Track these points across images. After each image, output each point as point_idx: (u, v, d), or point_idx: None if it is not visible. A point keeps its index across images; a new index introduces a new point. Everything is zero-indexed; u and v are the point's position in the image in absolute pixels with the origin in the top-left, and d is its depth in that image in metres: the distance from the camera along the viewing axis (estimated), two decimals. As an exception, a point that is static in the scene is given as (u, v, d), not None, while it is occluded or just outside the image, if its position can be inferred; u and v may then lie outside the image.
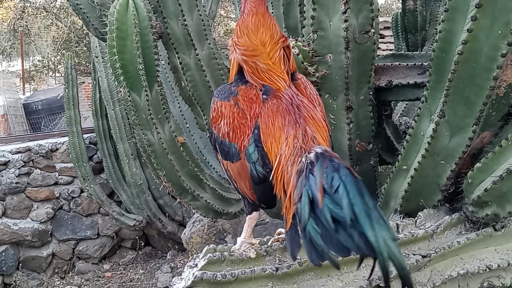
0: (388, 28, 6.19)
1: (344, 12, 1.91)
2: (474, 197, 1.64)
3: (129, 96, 2.48)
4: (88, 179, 5.94)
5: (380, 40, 6.80)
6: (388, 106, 2.46)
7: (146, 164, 4.32)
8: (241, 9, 1.44)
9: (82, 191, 6.33)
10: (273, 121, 1.29)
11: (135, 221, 5.97)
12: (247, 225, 1.40)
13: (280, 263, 1.38)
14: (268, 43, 1.38)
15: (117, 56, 2.39)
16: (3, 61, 15.63)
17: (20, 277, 6.09)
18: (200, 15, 2.59)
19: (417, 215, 1.73)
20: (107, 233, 6.50)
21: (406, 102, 3.27)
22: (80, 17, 3.38)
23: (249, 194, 1.35)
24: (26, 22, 13.41)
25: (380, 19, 7.22)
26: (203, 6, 2.65)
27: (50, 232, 6.30)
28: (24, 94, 11.66)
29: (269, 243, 1.44)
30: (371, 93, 2.15)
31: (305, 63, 1.97)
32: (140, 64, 2.40)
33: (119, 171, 6.04)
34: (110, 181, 6.08)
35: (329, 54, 2.02)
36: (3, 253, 6.04)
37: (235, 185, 1.38)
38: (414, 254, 1.53)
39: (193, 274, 1.31)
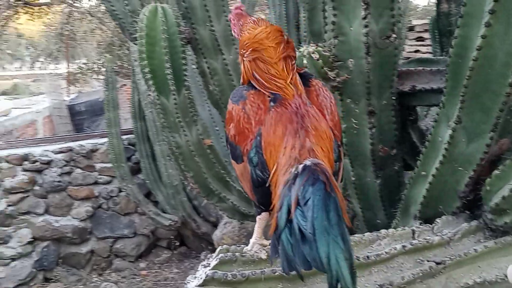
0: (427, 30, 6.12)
1: (364, 18, 1.91)
2: (493, 204, 1.62)
3: (157, 100, 2.56)
4: (126, 179, 6.11)
5: (420, 43, 6.72)
6: (413, 111, 2.44)
7: (180, 166, 4.45)
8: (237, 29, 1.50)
9: (120, 191, 6.50)
10: (275, 130, 1.31)
11: (170, 221, 6.08)
12: (257, 226, 1.43)
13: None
14: (271, 34, 1.40)
15: (146, 61, 2.47)
16: (50, 63, 16.22)
17: (60, 273, 6.31)
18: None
19: (435, 222, 1.72)
20: (144, 232, 6.66)
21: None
22: (117, 22, 3.50)
23: (250, 195, 1.39)
24: (72, 26, 13.85)
25: (421, 21, 7.13)
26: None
27: (89, 230, 6.50)
28: (69, 96, 12.08)
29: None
30: (393, 98, 2.15)
31: (325, 68, 1.98)
32: (168, 69, 2.47)
33: (156, 172, 6.16)
34: (147, 181, 6.21)
35: (350, 59, 2.03)
36: (45, 249, 6.27)
37: (241, 185, 1.43)
38: (428, 261, 1.53)
39: (205, 273, 1.35)
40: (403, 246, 1.52)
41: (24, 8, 12.99)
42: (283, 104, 1.36)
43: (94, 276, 6.45)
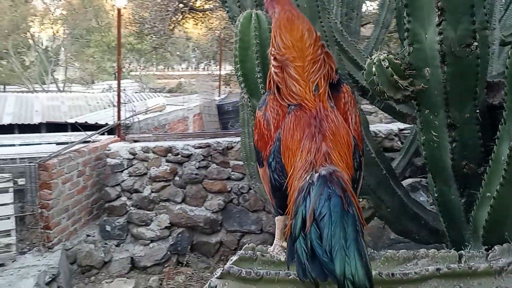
0: None
1: (438, 24, 1.81)
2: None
3: (249, 102, 2.68)
4: (255, 177, 6.35)
5: None
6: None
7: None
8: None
9: (250, 188, 6.79)
10: (293, 134, 1.34)
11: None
12: (276, 227, 1.47)
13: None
14: (306, 39, 1.41)
15: (239, 65, 2.60)
16: (211, 65, 17.43)
17: (191, 259, 6.82)
18: (323, 27, 2.66)
19: (492, 249, 1.56)
20: (269, 230, 6.85)
21: None
22: (234, 26, 3.70)
23: (270, 198, 1.43)
24: (231, 30, 14.72)
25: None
26: (327, 18, 2.70)
27: (220, 222, 6.90)
28: (219, 96, 12.90)
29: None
30: (477, 111, 1.98)
31: (395, 76, 1.91)
32: (258, 73, 2.57)
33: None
34: (274, 181, 6.39)
35: (427, 68, 1.92)
36: (180, 235, 6.83)
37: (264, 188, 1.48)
38: (466, 288, 1.41)
39: (224, 267, 1.43)
40: (438, 269, 1.42)
41: (190, 13, 14.16)
42: (302, 107, 1.38)
43: (221, 266, 6.80)
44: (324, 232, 1.07)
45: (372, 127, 6.77)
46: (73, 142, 7.33)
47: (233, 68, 14.73)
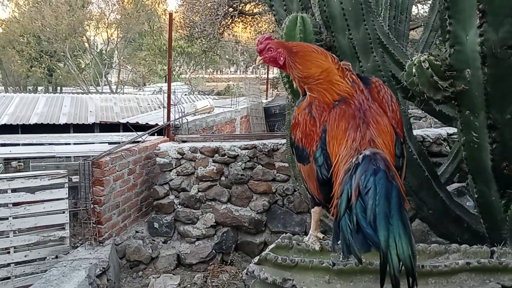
0: None
1: (479, 26, 1.84)
2: None
3: (293, 103, 2.76)
4: (299, 179, 6.41)
5: None
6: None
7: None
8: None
9: (295, 190, 6.84)
10: (338, 125, 1.41)
11: (338, 225, 6.19)
12: (312, 218, 1.54)
13: (342, 260, 1.49)
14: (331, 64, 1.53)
15: (283, 68, 2.69)
16: (259, 68, 17.60)
17: (236, 257, 6.94)
18: (367, 29, 2.71)
19: (526, 246, 1.58)
20: (313, 232, 6.89)
21: None
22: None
23: (316, 194, 1.50)
24: (279, 34, 14.81)
25: None
26: (372, 21, 2.75)
27: (264, 222, 6.98)
28: (266, 98, 13.03)
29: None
30: (520, 112, 1.99)
31: (435, 77, 1.95)
32: (286, 76, 2.66)
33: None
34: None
35: (467, 69, 1.95)
36: (225, 234, 6.97)
37: (306, 186, 1.55)
38: (497, 283, 1.44)
39: (263, 253, 1.52)
40: (467, 263, 1.46)
41: (239, 17, 14.35)
42: (347, 102, 1.46)
43: (265, 266, 6.91)
44: (369, 204, 1.14)
45: (420, 132, 6.70)
46: (124, 141, 7.62)
47: (280, 72, 14.79)
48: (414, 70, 1.97)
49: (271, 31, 14.38)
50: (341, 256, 1.51)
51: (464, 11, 1.88)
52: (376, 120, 1.39)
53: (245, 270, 1.52)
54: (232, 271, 6.68)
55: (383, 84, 1.56)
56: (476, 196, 2.24)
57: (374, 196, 1.15)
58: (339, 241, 1.29)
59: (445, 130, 6.75)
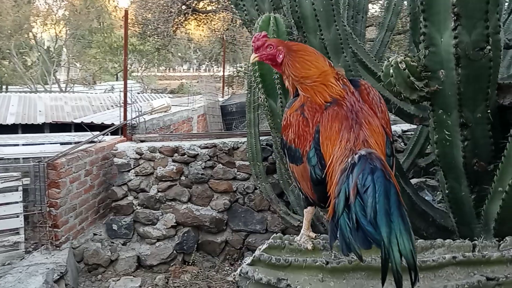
0: None
1: (454, 29, 1.91)
2: None
3: (266, 102, 2.78)
4: (261, 177, 6.44)
5: None
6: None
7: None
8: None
9: (255, 188, 6.87)
10: (331, 126, 1.44)
11: (299, 222, 6.24)
12: (304, 218, 1.56)
13: (334, 258, 1.51)
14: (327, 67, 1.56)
15: (257, 66, 2.70)
16: (213, 66, 17.56)
17: (197, 258, 6.91)
18: (338, 30, 2.76)
19: (504, 239, 1.66)
20: (274, 230, 6.93)
21: None
22: (248, 29, 3.80)
23: (310, 194, 1.52)
24: (233, 32, 14.85)
25: None
26: (342, 22, 2.80)
27: (225, 221, 6.99)
28: (223, 97, 13.01)
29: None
30: (489, 111, 2.08)
31: (412, 78, 2.01)
32: (276, 74, 2.68)
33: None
34: (281, 181, 6.45)
35: (441, 70, 2.02)
36: (186, 234, 6.92)
37: (299, 186, 1.56)
38: (481, 275, 1.51)
39: (255, 254, 1.52)
40: (454, 257, 1.52)
41: (192, 15, 14.26)
42: (339, 103, 1.48)
43: (226, 265, 6.92)
44: (369, 202, 1.17)
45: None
46: (77, 142, 7.42)
47: (235, 70, 14.76)
48: (391, 70, 2.02)
49: (225, 29, 14.38)
50: (333, 254, 1.54)
51: (439, 14, 1.94)
52: (368, 121, 1.42)
53: (237, 271, 1.52)
54: (194, 271, 6.65)
55: (371, 86, 1.60)
56: (447, 191, 2.33)
57: (373, 194, 1.18)
58: (337, 240, 1.31)
59: (399, 127, 6.95)
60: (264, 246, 1.54)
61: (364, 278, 1.48)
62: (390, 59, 2.05)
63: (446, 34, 1.95)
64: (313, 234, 1.59)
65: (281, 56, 1.66)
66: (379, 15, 11.85)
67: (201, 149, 6.94)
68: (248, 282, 1.46)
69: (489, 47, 1.94)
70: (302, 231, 1.59)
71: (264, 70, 2.68)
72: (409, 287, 1.21)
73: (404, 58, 2.02)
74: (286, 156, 1.60)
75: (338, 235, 1.27)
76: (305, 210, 1.56)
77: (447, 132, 2.15)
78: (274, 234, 1.58)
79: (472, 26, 1.92)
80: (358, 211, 1.19)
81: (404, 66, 2.01)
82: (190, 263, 6.86)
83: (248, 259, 1.54)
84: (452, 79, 2.01)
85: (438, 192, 4.59)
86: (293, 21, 2.79)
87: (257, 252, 1.52)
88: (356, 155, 1.29)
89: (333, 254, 1.53)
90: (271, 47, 1.68)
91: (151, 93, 16.35)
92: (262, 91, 2.73)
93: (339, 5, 2.77)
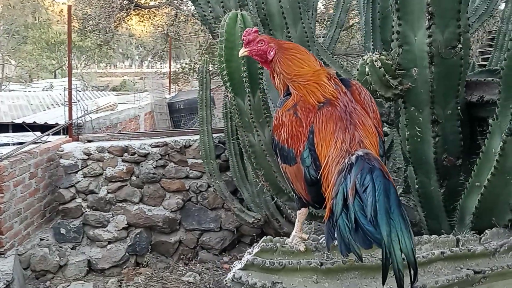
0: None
1: (428, 28, 1.95)
2: (544, 219, 1.60)
3: (234, 101, 2.74)
4: (214, 175, 6.40)
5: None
6: (484, 122, 2.40)
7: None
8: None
9: (209, 186, 6.81)
10: (326, 126, 1.43)
11: (254, 219, 6.27)
12: (297, 220, 1.55)
13: (327, 259, 1.51)
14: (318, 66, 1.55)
15: (224, 64, 2.65)
16: (157, 63, 17.25)
17: (150, 259, 6.78)
18: (304, 27, 2.76)
19: (484, 233, 1.72)
20: (229, 227, 6.93)
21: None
22: (207, 27, 3.74)
23: (304, 195, 1.50)
24: (177, 28, 14.62)
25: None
26: (308, 20, 2.81)
27: (178, 221, 6.89)
28: (170, 94, 12.81)
29: (320, 241, 1.57)
30: (459, 108, 2.14)
31: (387, 76, 2.04)
32: (244, 72, 2.64)
33: (243, 170, 6.37)
34: (234, 179, 6.44)
35: (414, 68, 2.06)
36: (138, 235, 6.77)
37: (292, 187, 1.54)
38: (468, 269, 1.55)
39: (247, 259, 1.49)
40: (442, 253, 1.55)
41: (135, 10, 13.93)
42: (332, 104, 1.47)
43: (181, 265, 6.83)
44: (368, 201, 1.16)
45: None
46: (18, 143, 7.08)
47: (180, 66, 14.53)
48: (367, 69, 2.04)
49: (170, 25, 14.15)
50: (326, 255, 1.53)
51: (413, 13, 1.97)
52: (362, 122, 1.42)
53: (228, 276, 1.48)
54: (148, 272, 6.52)
55: (362, 86, 1.59)
56: (417, 186, 2.39)
57: (373, 193, 1.18)
58: (335, 241, 1.31)
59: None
60: (256, 249, 1.51)
61: (358, 278, 1.48)
62: (365, 58, 2.07)
63: (420, 33, 1.99)
64: (305, 236, 1.57)
65: (272, 52, 1.63)
66: (323, 12, 12.06)
67: (152, 148, 6.80)
68: (242, 287, 1.43)
69: (460, 46, 2.00)
70: (294, 232, 1.58)
71: (232, 68, 2.64)
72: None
73: (379, 56, 2.04)
74: (278, 157, 1.57)
75: (336, 236, 1.26)
76: (298, 211, 1.54)
77: (418, 129, 2.19)
78: (265, 237, 1.55)
79: (445, 25, 1.96)
80: (357, 210, 1.19)
81: (380, 64, 2.03)
82: (143, 265, 6.72)
83: (238, 264, 1.50)
84: (425, 77, 2.05)
85: (397, 186, 4.71)
86: (259, 18, 2.77)
87: (249, 256, 1.49)
88: (353, 156, 1.29)
89: (325, 255, 1.52)
90: (262, 43, 1.64)
91: (92, 90, 15.83)
92: (230, 90, 2.68)
93: (305, 2, 2.77)
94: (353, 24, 11.71)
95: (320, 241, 1.57)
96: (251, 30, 1.68)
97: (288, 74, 1.57)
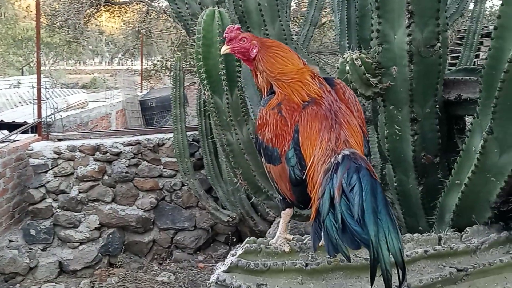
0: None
1: (408, 26, 1.95)
2: (524, 216, 1.62)
3: (211, 99, 2.70)
4: (189, 174, 6.34)
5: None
6: (461, 121, 2.43)
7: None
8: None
9: (183, 185, 6.74)
10: (311, 126, 1.41)
11: (228, 217, 6.23)
12: (282, 220, 1.53)
13: (312, 259, 1.49)
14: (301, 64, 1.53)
15: (202, 62, 2.62)
16: (127, 60, 17.01)
17: (123, 259, 6.67)
18: (282, 25, 2.75)
19: (465, 230, 1.73)
20: (203, 226, 6.87)
21: None
22: (182, 24, 3.69)
23: (288, 195, 1.48)
24: (149, 24, 14.45)
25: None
26: (286, 17, 2.79)
27: (152, 220, 6.81)
28: (141, 91, 12.66)
29: (305, 241, 1.56)
30: (437, 106, 2.16)
31: (367, 74, 2.04)
32: (222, 70, 2.61)
33: (218, 168, 6.32)
34: (209, 177, 6.39)
35: (394, 67, 2.07)
36: (111, 236, 6.66)
37: (276, 187, 1.52)
38: (450, 267, 1.56)
39: (231, 261, 1.46)
40: (425, 251, 1.56)
41: (105, 6, 13.70)
42: (317, 103, 1.45)
43: (155, 264, 6.75)
44: (355, 201, 1.15)
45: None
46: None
47: (152, 63, 14.33)
48: (347, 67, 2.03)
49: (141, 21, 13.96)
50: (310, 255, 1.52)
51: (393, 12, 1.98)
52: (347, 121, 1.41)
53: (212, 279, 1.45)
54: (121, 273, 6.42)
55: (346, 85, 1.58)
56: (395, 184, 2.40)
57: (360, 192, 1.17)
58: (321, 241, 1.29)
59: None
60: (240, 251, 1.48)
61: (343, 278, 1.47)
62: (345, 56, 2.06)
63: (399, 32, 1.99)
64: (290, 237, 1.56)
65: (255, 50, 1.60)
66: (295, 9, 12.08)
67: (124, 146, 6.69)
68: (226, 290, 1.40)
69: (439, 44, 2.01)
70: (278, 233, 1.55)
71: (209, 66, 2.60)
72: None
73: (360, 54, 2.04)
74: (262, 156, 1.55)
75: (323, 236, 1.24)
76: (283, 212, 1.52)
77: (397, 127, 2.20)
78: (248, 238, 1.53)
79: (424, 24, 1.97)
80: (344, 210, 1.17)
81: (360, 62, 2.02)
82: (116, 265, 6.61)
83: (221, 267, 1.48)
84: (405, 75, 2.05)
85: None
86: (236, 15, 2.74)
87: (233, 258, 1.46)
88: (340, 155, 1.27)
89: (310, 256, 1.50)
90: (244, 40, 1.62)
91: (61, 88, 15.49)
92: (207, 88, 2.65)
93: (282, 0, 2.75)
94: (325, 22, 11.78)
95: (304, 242, 1.55)
96: (234, 27, 1.65)
97: (272, 72, 1.55)
